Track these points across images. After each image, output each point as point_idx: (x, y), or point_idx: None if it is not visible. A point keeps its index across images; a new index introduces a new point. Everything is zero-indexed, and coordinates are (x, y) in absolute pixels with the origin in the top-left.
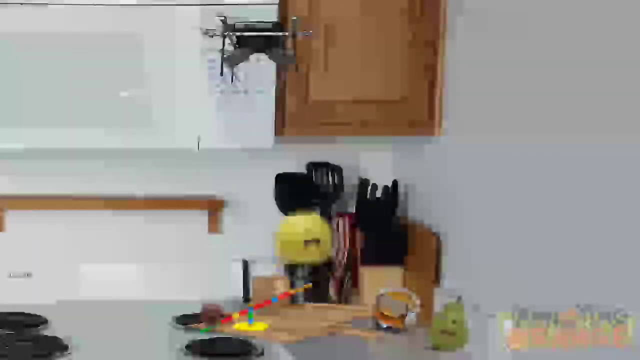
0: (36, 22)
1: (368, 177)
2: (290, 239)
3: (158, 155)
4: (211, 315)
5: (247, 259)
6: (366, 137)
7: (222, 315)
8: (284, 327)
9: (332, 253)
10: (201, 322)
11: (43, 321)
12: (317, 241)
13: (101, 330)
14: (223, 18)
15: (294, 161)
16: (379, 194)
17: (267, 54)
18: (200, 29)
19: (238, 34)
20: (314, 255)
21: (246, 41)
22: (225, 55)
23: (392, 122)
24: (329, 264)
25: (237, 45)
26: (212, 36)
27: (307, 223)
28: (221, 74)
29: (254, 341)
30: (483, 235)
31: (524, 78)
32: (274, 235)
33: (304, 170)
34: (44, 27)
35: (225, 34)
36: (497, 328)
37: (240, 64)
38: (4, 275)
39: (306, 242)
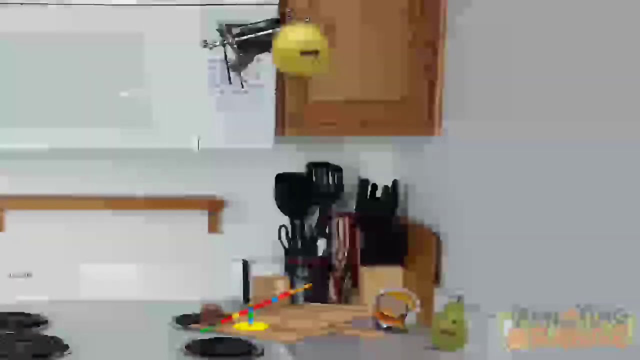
0: (36, 22)
1: (368, 177)
2: (287, 48)
3: (158, 155)
4: (211, 315)
5: (247, 259)
6: (366, 137)
7: (222, 315)
8: (284, 327)
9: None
10: (201, 322)
11: (43, 321)
12: (316, 52)
13: (101, 330)
14: (221, 29)
15: (294, 161)
16: (379, 194)
17: (270, 52)
18: (200, 42)
19: (237, 39)
20: (312, 67)
21: (247, 45)
22: (230, 64)
23: (392, 122)
24: (329, 264)
25: (239, 51)
26: (211, 48)
27: (305, 34)
28: (229, 82)
29: (254, 341)
30: (483, 235)
31: (524, 77)
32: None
33: (304, 170)
34: (44, 27)
35: (225, 43)
36: (497, 328)
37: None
38: (4, 275)
39: (303, 52)
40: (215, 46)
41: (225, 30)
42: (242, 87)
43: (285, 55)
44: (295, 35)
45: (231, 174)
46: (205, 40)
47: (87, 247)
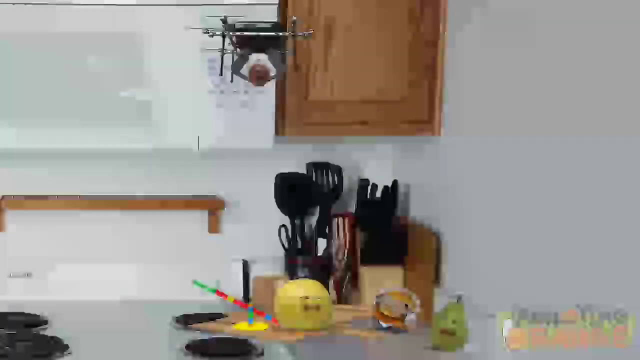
0: (36, 22)
1: (368, 177)
2: (289, 303)
3: (158, 155)
4: (259, 74)
5: (247, 259)
6: (366, 137)
7: (269, 75)
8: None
9: (332, 254)
10: (250, 81)
11: (43, 321)
12: (317, 307)
13: (101, 330)
14: (223, 18)
15: (294, 161)
16: (379, 194)
17: (266, 54)
18: (201, 28)
19: (238, 33)
20: (314, 322)
21: (246, 41)
22: (225, 55)
23: (392, 122)
24: (329, 264)
25: (236, 45)
26: (212, 35)
27: (306, 289)
28: (220, 73)
29: (254, 341)
30: (483, 235)
31: (524, 77)
32: (275, 296)
33: (304, 170)
34: (44, 27)
35: (225, 34)
36: (497, 328)
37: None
38: (4, 275)
39: (306, 307)
40: (216, 34)
41: (228, 21)
42: (232, 81)
43: (287, 308)
44: (297, 291)
45: (231, 174)
46: (207, 28)
47: (87, 247)
